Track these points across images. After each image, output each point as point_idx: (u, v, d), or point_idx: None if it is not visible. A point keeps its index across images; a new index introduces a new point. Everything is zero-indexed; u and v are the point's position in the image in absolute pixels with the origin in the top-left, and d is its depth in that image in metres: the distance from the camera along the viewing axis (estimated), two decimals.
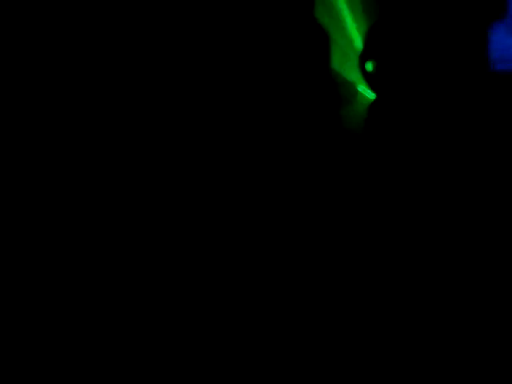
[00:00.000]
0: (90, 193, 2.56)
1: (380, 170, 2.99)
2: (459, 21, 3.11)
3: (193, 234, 2.63)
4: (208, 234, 2.62)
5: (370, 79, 3.12)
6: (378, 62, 3.09)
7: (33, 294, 2.33)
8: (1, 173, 2.48)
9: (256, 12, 2.90)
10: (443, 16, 3.13)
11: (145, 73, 2.71)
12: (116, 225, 2.57)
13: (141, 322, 2.22)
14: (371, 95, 3.19)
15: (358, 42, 3.25)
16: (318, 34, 3.20)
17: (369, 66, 3.11)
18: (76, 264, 2.45)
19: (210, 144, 2.73)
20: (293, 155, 2.96)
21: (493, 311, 2.22)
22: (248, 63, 2.91)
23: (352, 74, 3.31)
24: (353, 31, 3.43)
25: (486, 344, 2.01)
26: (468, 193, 2.69)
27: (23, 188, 2.49)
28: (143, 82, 2.70)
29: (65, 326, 2.18)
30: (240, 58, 2.88)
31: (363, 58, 3.13)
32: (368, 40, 3.17)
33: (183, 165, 2.72)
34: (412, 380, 1.88)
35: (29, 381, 1.95)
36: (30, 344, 2.10)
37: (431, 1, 3.09)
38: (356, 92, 3.41)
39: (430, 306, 2.27)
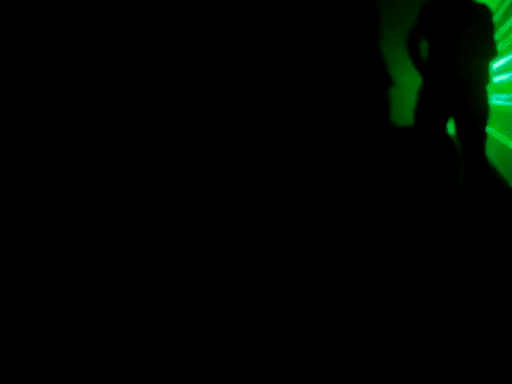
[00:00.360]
0: (90, 192, 2.57)
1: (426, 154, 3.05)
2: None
3: (193, 231, 2.64)
4: (215, 229, 2.63)
5: (419, 61, 3.05)
6: (428, 43, 3.02)
7: (33, 294, 2.34)
8: (1, 173, 2.49)
9: None
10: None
11: (152, 73, 2.71)
12: (116, 223, 2.58)
13: (140, 320, 2.22)
14: (419, 78, 3.11)
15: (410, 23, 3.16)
16: (369, 13, 3.20)
17: (418, 47, 3.05)
18: (76, 263, 2.46)
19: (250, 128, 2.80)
20: (340, 137, 3.04)
21: (492, 311, 2.22)
22: (300, 44, 3.00)
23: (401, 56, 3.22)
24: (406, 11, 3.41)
25: (485, 343, 2.02)
26: None
27: (23, 187, 2.49)
28: (149, 82, 2.71)
29: (65, 325, 2.19)
30: (293, 40, 2.98)
31: (412, 38, 3.05)
32: (419, 21, 3.08)
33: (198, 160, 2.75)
34: (412, 380, 1.88)
35: (29, 381, 1.96)
36: (30, 343, 2.11)
37: None
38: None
39: (430, 305, 2.28)
